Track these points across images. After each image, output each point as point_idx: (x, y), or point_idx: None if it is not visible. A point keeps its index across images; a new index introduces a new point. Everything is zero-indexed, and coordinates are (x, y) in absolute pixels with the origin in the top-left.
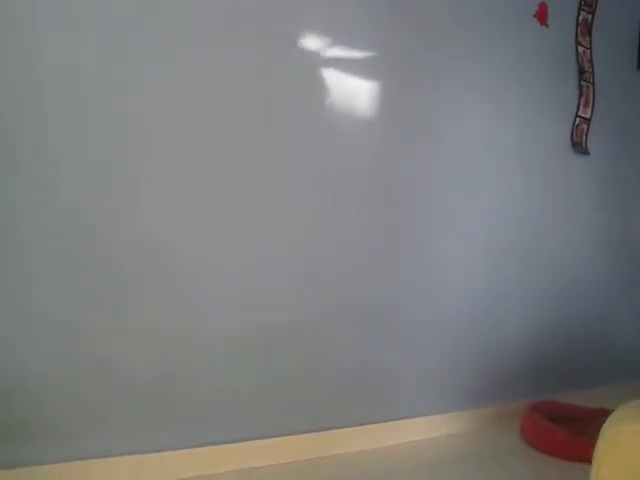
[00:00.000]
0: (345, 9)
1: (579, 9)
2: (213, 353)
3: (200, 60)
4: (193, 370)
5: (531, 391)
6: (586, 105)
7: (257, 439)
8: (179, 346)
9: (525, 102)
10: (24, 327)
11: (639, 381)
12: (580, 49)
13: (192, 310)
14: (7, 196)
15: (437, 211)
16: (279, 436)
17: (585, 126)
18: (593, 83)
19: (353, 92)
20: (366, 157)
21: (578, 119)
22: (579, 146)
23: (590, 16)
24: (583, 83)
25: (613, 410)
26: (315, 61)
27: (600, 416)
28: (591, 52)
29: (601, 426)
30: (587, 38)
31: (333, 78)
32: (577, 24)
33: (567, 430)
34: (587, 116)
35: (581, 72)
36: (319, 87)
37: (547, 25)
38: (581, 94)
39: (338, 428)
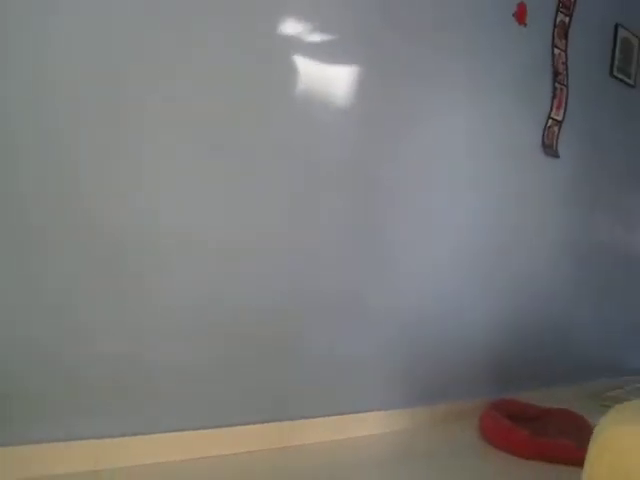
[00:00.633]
0: (331, 4)
1: (557, 11)
2: (174, 339)
3: (178, 46)
4: (151, 356)
5: (491, 389)
6: (559, 107)
7: (216, 427)
8: (136, 331)
9: (502, 101)
10: None
11: (597, 382)
12: (556, 51)
13: (152, 294)
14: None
15: (410, 206)
16: (237, 425)
17: (556, 128)
18: (567, 86)
19: (333, 83)
20: (343, 148)
21: (550, 121)
22: (549, 148)
23: (567, 19)
24: (557, 85)
25: (571, 410)
26: (295, 50)
27: (558, 416)
28: (566, 55)
29: (559, 425)
30: (563, 40)
31: (313, 68)
32: (554, 26)
33: (526, 429)
34: (559, 118)
35: (556, 74)
36: (298, 76)
37: (525, 25)
38: (554, 96)
39: (297, 419)
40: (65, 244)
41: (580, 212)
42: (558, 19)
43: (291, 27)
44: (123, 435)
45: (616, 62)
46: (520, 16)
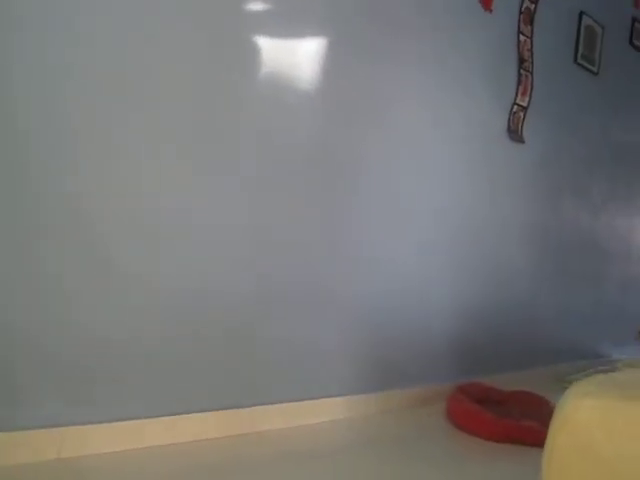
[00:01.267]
0: None
1: None
2: (139, 324)
3: (144, 30)
4: (116, 343)
5: (457, 373)
6: (524, 93)
7: (176, 415)
8: (102, 315)
9: (468, 86)
10: None
11: (560, 365)
12: (521, 38)
13: (119, 280)
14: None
15: (377, 191)
16: (198, 412)
17: (522, 114)
18: (532, 72)
19: (299, 65)
20: (309, 133)
21: (515, 107)
22: (515, 133)
23: (533, 5)
24: (522, 72)
25: (535, 393)
26: (263, 32)
27: (522, 398)
28: (532, 41)
29: (523, 408)
30: (529, 27)
31: (280, 49)
32: (520, 12)
33: (491, 412)
34: (524, 104)
35: (521, 61)
36: (264, 57)
37: (491, 11)
38: (520, 82)
39: (258, 405)
40: (47, 229)
41: (545, 197)
42: (524, 6)
43: (259, 7)
44: (87, 423)
45: (580, 50)
46: (486, 2)
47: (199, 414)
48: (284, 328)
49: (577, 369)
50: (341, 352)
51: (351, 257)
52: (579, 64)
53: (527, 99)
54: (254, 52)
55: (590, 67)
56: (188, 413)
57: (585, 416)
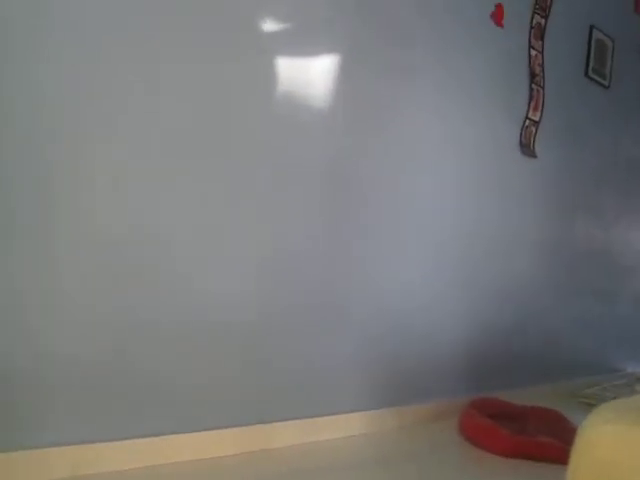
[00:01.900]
0: (309, 3)
1: (533, 13)
2: (154, 344)
3: (158, 47)
4: (132, 361)
5: (470, 388)
6: (536, 108)
7: (192, 432)
8: (118, 334)
9: (482, 102)
10: None
11: (575, 380)
12: (533, 52)
13: (133, 300)
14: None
15: (390, 207)
16: (213, 429)
17: (534, 129)
18: (543, 87)
19: (313, 83)
20: (323, 149)
21: (527, 121)
22: (527, 148)
23: (543, 20)
24: (534, 86)
25: (550, 409)
26: (274, 49)
27: (537, 414)
28: (543, 56)
29: (538, 424)
30: (539, 42)
31: (292, 67)
32: (531, 27)
33: (505, 427)
34: (536, 119)
35: (532, 75)
36: (277, 75)
37: (502, 26)
38: (531, 97)
39: (274, 422)
40: (47, 244)
41: (558, 211)
42: (534, 21)
43: (272, 27)
44: (101, 441)
45: (591, 63)
46: (498, 17)
47: (215, 431)
48: (299, 345)
49: (592, 384)
50: (355, 368)
51: (364, 273)
52: (590, 78)
53: (539, 114)
54: (267, 71)
55: (601, 80)
56: (204, 430)
57: (606, 443)
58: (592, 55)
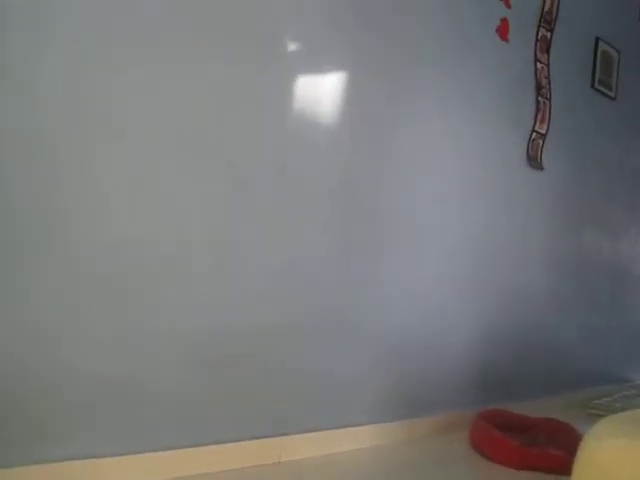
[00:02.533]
0: (317, 20)
1: (539, 26)
2: (169, 358)
3: (168, 62)
4: (147, 374)
5: (480, 400)
6: (542, 121)
7: (208, 445)
8: (128, 347)
9: (489, 115)
10: None
11: (584, 391)
12: (539, 65)
13: (146, 315)
14: None
15: (399, 222)
16: (229, 442)
17: (541, 141)
18: (550, 99)
19: (321, 100)
20: (332, 165)
21: (534, 134)
22: (534, 161)
23: (549, 34)
24: (540, 99)
25: (560, 420)
26: (281, 67)
27: (547, 426)
28: (549, 69)
29: (549, 436)
30: (545, 55)
31: (299, 84)
32: (536, 41)
33: (515, 439)
34: (543, 132)
35: (539, 88)
36: (284, 92)
37: (508, 40)
38: (538, 110)
39: (288, 435)
40: (53, 259)
41: (565, 223)
42: (540, 34)
43: (279, 44)
44: (117, 455)
45: (597, 75)
46: (503, 32)
47: (226, 444)
48: (311, 358)
49: (602, 395)
50: (366, 381)
51: (373, 287)
52: (596, 89)
53: (545, 126)
54: (277, 87)
55: (607, 92)
56: (216, 444)
57: (607, 456)
58: (598, 67)
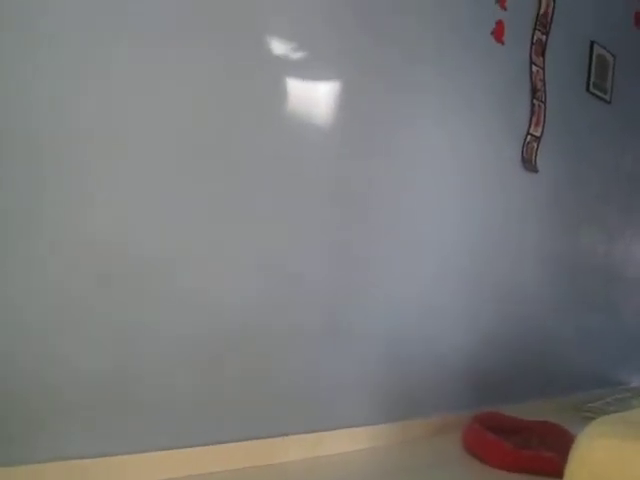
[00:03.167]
0: (316, 22)
1: (534, 29)
2: (160, 359)
3: (164, 61)
4: (136, 376)
5: (474, 402)
6: (537, 124)
7: (198, 446)
8: (128, 347)
9: (484, 118)
10: None
11: (578, 394)
12: (534, 68)
13: (136, 315)
14: None
15: (393, 223)
16: (220, 443)
17: (535, 144)
18: (545, 102)
19: (318, 101)
20: (327, 164)
21: (529, 137)
22: (529, 163)
23: (544, 37)
24: (535, 102)
25: (554, 423)
26: (280, 68)
27: (541, 428)
28: (544, 72)
29: (542, 438)
30: (540, 58)
31: (297, 85)
32: (532, 44)
33: (508, 442)
34: (538, 134)
35: (534, 91)
36: (282, 94)
37: (503, 43)
38: (533, 112)
39: (279, 436)
40: (53, 259)
41: (560, 225)
42: (535, 37)
43: (277, 49)
44: (117, 454)
45: (592, 79)
46: (498, 34)
47: (224, 445)
48: (305, 360)
49: (596, 397)
50: (359, 383)
51: (367, 289)
52: (591, 93)
53: (540, 129)
54: (274, 89)
55: (602, 95)
56: (213, 444)
57: (600, 456)
58: (593, 70)
